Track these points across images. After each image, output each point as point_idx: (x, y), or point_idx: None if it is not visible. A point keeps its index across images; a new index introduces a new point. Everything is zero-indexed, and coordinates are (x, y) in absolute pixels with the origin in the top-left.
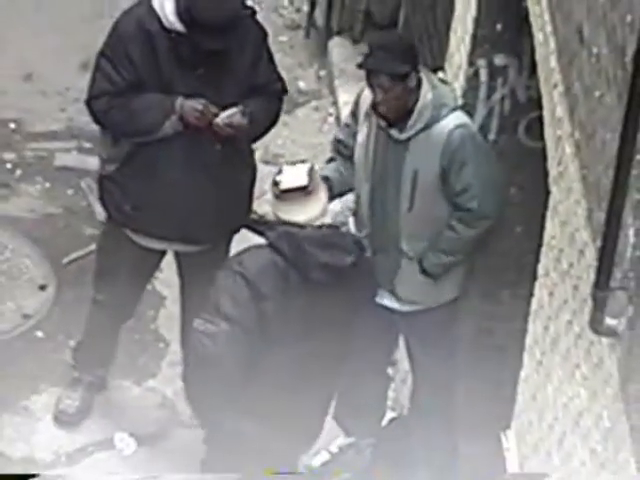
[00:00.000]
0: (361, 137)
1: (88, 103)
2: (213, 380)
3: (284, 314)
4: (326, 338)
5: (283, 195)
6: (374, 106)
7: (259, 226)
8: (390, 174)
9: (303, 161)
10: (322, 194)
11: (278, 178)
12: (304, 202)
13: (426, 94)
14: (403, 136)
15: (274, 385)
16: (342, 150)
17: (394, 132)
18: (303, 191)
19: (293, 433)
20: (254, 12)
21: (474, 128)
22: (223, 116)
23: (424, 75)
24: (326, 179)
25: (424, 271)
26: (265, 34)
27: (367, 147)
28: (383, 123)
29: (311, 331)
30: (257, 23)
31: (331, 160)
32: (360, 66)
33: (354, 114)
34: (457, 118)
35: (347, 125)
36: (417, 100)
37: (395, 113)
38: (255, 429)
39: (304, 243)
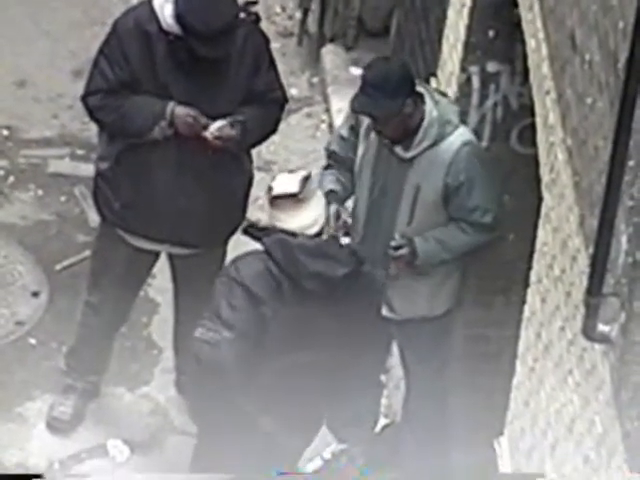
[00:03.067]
0: (362, 150)
1: (84, 99)
2: (217, 387)
3: (280, 321)
4: (321, 349)
5: (274, 201)
6: (375, 128)
7: (257, 232)
8: (391, 189)
9: (296, 170)
10: (315, 204)
11: (272, 184)
12: (295, 210)
13: (431, 111)
14: (409, 155)
15: (270, 394)
16: (337, 160)
17: (399, 150)
18: (293, 199)
19: (291, 439)
20: (258, 19)
21: (477, 143)
22: (212, 129)
23: (424, 91)
24: (332, 192)
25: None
26: (267, 41)
27: (368, 161)
28: (387, 142)
29: (306, 341)
30: (259, 30)
31: (328, 167)
32: (352, 109)
33: (353, 128)
34: (462, 135)
35: (343, 138)
36: (422, 118)
37: (399, 135)
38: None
39: (296, 251)
